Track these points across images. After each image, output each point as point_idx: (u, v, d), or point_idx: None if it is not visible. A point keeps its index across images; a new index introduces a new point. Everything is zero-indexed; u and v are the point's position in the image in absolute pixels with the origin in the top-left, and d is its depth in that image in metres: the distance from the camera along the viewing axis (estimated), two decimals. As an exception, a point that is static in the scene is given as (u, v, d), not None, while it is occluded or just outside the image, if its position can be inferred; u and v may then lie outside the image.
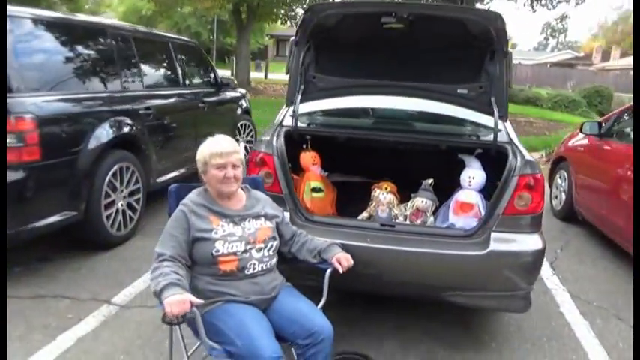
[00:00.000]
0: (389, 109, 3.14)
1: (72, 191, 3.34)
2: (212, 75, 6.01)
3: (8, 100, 2.91)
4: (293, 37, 3.06)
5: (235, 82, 6.65)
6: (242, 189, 2.26)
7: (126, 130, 3.88)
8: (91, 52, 3.80)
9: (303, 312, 2.08)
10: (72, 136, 3.36)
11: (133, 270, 3.49)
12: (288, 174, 2.65)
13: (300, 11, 19.83)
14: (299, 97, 2.99)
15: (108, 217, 3.70)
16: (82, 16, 4.39)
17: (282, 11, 18.89)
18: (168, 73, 5.01)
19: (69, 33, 3.64)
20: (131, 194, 4.01)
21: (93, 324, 2.82)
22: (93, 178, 3.50)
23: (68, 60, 3.55)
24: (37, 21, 3.33)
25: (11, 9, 3.06)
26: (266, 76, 24.90)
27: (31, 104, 3.04)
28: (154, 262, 2.00)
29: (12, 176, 2.93)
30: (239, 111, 6.66)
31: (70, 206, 3.34)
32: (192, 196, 2.18)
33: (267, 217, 2.22)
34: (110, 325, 2.83)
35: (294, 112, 2.94)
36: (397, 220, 2.92)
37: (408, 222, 2.93)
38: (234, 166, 2.14)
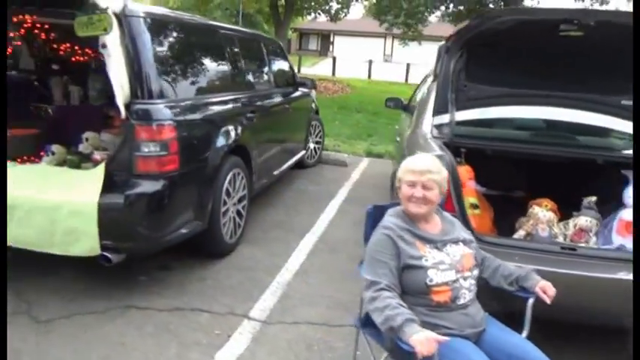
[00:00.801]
0: (545, 121, 2.97)
1: (200, 200, 3.24)
2: (291, 74, 5.87)
3: (149, 106, 2.81)
4: (443, 43, 2.90)
5: (315, 81, 6.48)
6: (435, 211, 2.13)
7: (239, 134, 3.76)
8: (210, 55, 3.69)
9: (516, 344, 1.95)
10: (201, 142, 3.25)
11: (256, 281, 3.39)
12: (460, 190, 2.51)
13: (334, 5, 19.58)
14: (452, 106, 2.83)
15: (223, 225, 3.60)
16: (199, 17, 4.28)
17: (314, 4, 18.67)
18: (263, 74, 4.89)
19: (194, 35, 3.53)
20: (239, 201, 3.90)
21: (244, 342, 2.71)
22: (215, 186, 3.39)
23: (192, 63, 3.44)
24: (167, 23, 3.21)
25: (144, 9, 2.95)
26: (299, 71, 24.65)
27: (170, 110, 2.94)
28: (369, 290, 1.87)
29: (153, 186, 2.83)
30: (312, 110, 6.52)
31: (199, 215, 3.24)
32: (393, 219, 2.06)
33: (465, 242, 2.09)
34: (261, 343, 2.72)
35: (449, 122, 2.79)
36: (557, 240, 2.76)
37: (568, 241, 2.77)
38: (425, 187, 2.01)
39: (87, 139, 3.19)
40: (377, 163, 7.46)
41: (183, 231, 3.11)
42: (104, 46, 2.46)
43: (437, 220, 2.11)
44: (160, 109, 2.84)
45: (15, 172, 2.94)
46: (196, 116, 3.23)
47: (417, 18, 13.43)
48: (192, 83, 3.38)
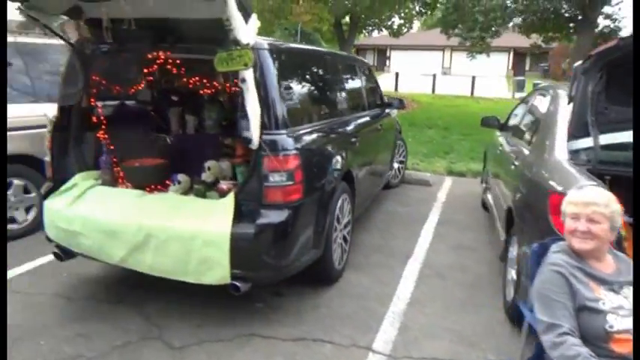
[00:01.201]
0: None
1: (318, 228, 3.23)
2: (380, 94, 5.83)
3: (276, 137, 2.84)
4: (579, 64, 2.74)
5: (403, 100, 6.41)
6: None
7: (347, 159, 3.74)
8: (321, 81, 3.72)
9: None
10: (320, 170, 3.26)
11: (370, 310, 3.32)
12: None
13: (396, 20, 19.48)
14: (594, 130, 2.66)
15: (334, 251, 3.57)
16: (308, 46, 4.35)
17: (377, 20, 18.67)
18: (361, 96, 4.88)
19: (307, 63, 3.58)
20: (345, 226, 3.87)
21: (375, 377, 2.64)
22: (329, 212, 3.38)
23: (308, 91, 3.48)
24: (286, 53, 3.26)
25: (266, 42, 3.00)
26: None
27: (294, 140, 2.96)
28: (549, 334, 1.75)
29: (280, 216, 2.84)
30: (397, 130, 6.45)
31: (317, 243, 3.23)
32: (561, 256, 1.93)
33: (643, 285, 1.91)
34: (393, 379, 2.64)
35: (592, 147, 2.62)
36: None
37: None
38: (591, 220, 1.87)
39: (209, 168, 3.28)
40: (461, 183, 7.25)
41: (304, 259, 3.10)
42: (243, 80, 2.52)
43: (609, 259, 1.96)
44: (286, 139, 2.86)
45: (146, 200, 3.06)
46: (314, 144, 3.24)
47: (492, 31, 13.10)
48: (308, 111, 3.41)
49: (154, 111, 3.90)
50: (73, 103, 3.21)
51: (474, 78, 21.24)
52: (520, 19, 12.32)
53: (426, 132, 11.83)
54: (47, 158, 3.28)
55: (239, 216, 2.80)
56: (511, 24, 13.56)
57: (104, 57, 3.17)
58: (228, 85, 3.56)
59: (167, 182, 3.33)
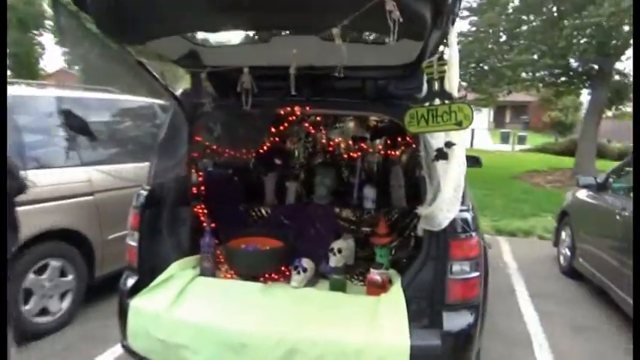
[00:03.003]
0: None
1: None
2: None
3: (467, 215, 2.20)
4: None
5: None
6: None
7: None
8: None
9: None
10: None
11: None
12: None
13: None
14: None
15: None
16: None
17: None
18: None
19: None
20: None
21: None
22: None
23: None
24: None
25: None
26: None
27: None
28: None
29: (467, 319, 2.16)
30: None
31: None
32: None
33: None
34: None
35: None
36: None
37: None
38: None
39: (340, 251, 2.58)
40: (518, 244, 6.70)
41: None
42: (449, 144, 1.90)
43: None
44: (471, 218, 2.22)
45: (277, 299, 2.33)
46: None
47: (500, 87, 13.09)
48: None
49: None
50: (174, 174, 2.51)
51: (473, 131, 21.08)
52: (530, 73, 12.38)
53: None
54: (132, 242, 2.54)
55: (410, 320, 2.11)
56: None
57: (215, 113, 2.50)
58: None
59: (283, 269, 2.60)
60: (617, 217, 3.98)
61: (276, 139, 2.93)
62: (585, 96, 16.99)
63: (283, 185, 3.20)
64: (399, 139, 3.03)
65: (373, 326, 2.09)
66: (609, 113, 17.07)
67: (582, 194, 5.12)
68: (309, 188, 3.20)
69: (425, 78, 1.91)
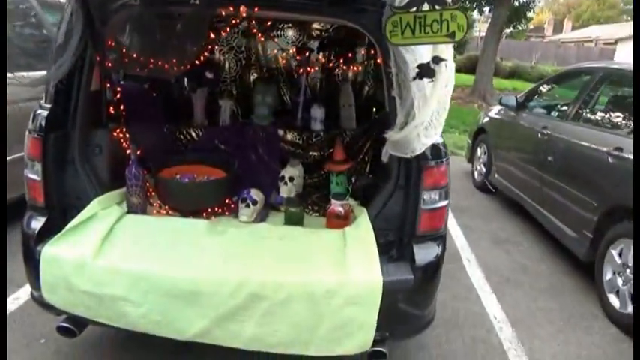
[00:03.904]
0: None
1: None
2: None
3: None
4: None
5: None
6: None
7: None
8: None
9: None
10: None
11: (485, 343, 2.75)
12: None
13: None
14: None
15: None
16: None
17: None
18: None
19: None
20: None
21: None
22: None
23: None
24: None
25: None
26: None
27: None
28: None
29: (435, 250, 2.05)
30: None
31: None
32: None
33: None
34: None
35: None
36: None
37: None
38: None
39: (291, 179, 2.28)
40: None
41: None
42: (438, 60, 1.62)
43: None
44: (443, 144, 2.04)
45: (229, 238, 2.02)
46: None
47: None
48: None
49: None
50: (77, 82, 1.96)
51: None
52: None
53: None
54: (33, 175, 2.00)
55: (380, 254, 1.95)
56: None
57: (136, 9, 1.92)
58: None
59: (228, 202, 2.27)
60: (539, 135, 4.13)
61: (208, 47, 2.43)
62: (476, 14, 17.51)
63: (215, 103, 2.74)
64: (350, 53, 2.69)
65: (342, 263, 1.89)
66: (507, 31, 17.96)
67: (499, 113, 5.26)
68: (246, 107, 2.78)
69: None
